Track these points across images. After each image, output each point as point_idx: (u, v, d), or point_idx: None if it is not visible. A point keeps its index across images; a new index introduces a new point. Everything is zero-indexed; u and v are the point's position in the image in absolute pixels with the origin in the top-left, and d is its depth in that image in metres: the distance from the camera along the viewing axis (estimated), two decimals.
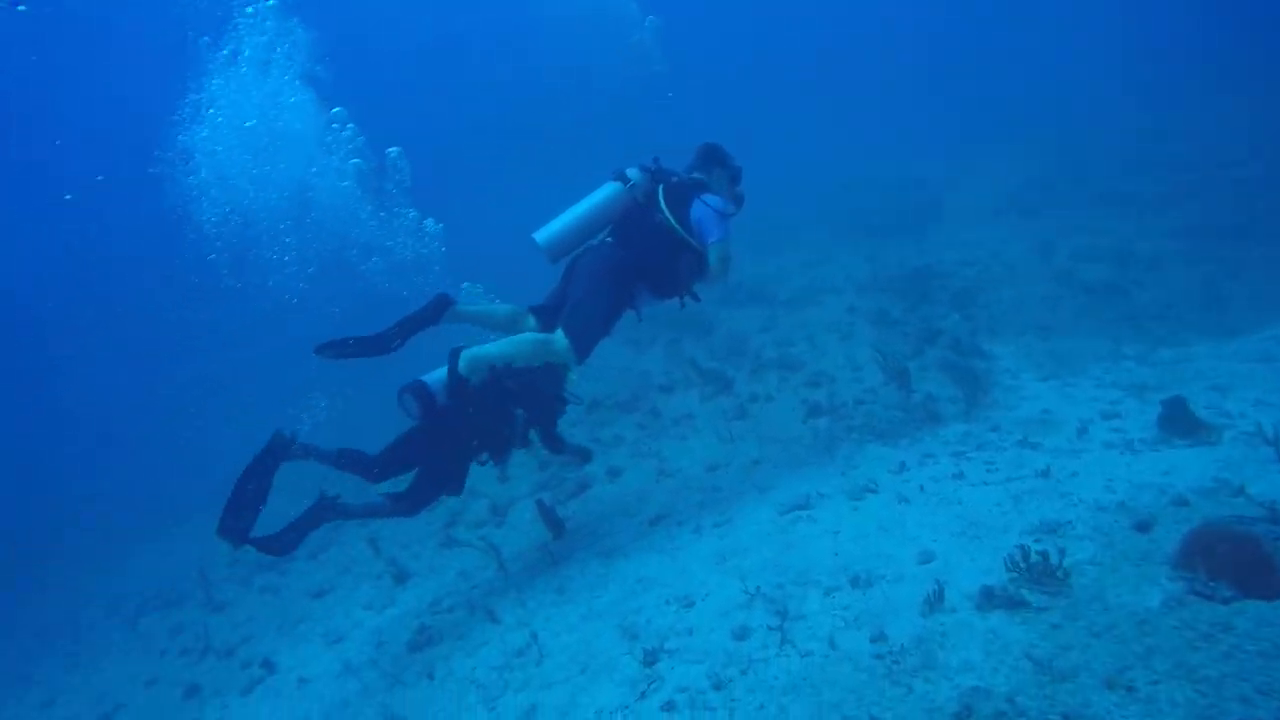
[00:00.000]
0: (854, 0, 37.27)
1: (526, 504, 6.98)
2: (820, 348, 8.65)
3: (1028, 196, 12.91)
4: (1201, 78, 16.69)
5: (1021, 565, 3.40)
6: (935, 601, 3.43)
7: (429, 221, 6.84)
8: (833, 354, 8.28)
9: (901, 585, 3.72)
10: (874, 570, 3.91)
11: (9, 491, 18.99)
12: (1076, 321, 7.74)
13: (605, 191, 5.10)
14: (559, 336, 4.79)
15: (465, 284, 5.95)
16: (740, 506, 5.31)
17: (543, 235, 5.06)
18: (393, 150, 7.05)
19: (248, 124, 7.09)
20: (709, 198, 4.95)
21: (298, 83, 7.33)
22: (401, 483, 5.13)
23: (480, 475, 7.13)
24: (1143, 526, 3.58)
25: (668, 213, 4.93)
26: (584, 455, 6.06)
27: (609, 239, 5.14)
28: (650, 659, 3.74)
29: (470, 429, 5.09)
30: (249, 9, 7.27)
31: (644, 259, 4.99)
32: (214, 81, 7.16)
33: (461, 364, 4.74)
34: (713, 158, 5.22)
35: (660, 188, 5.03)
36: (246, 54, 7.21)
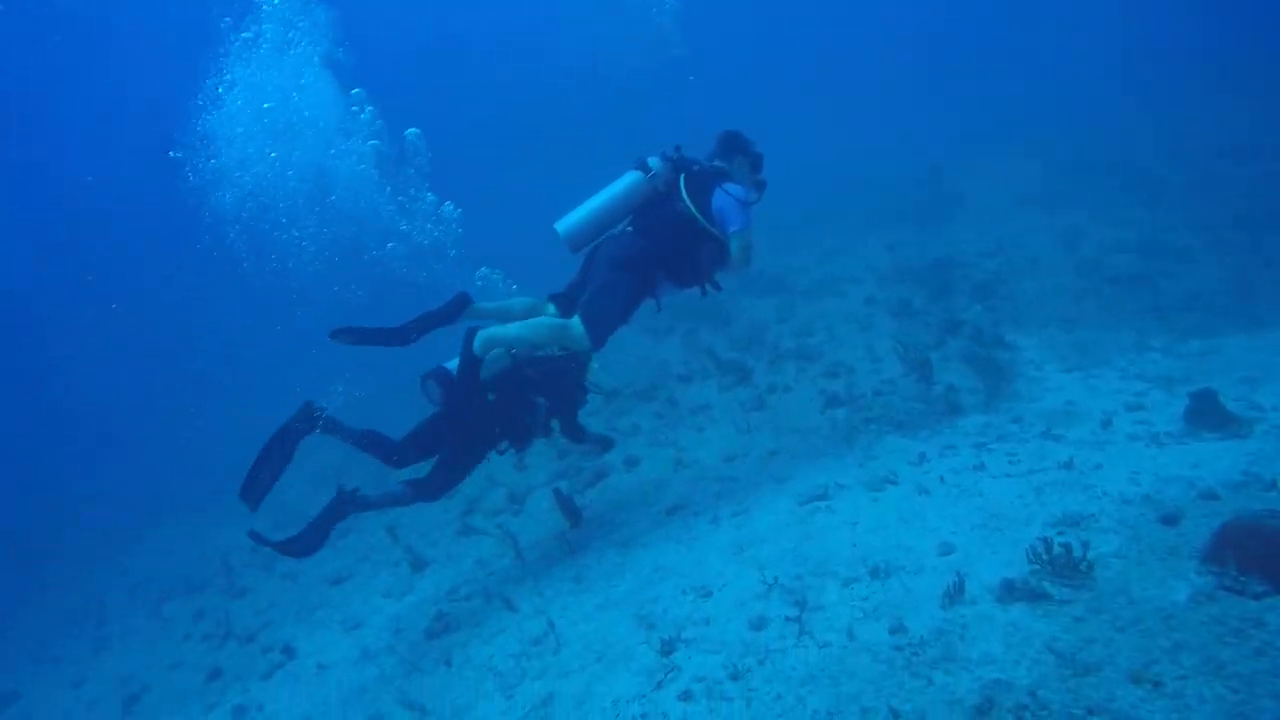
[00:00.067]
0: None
1: (544, 493, 6.99)
2: (839, 338, 8.59)
3: (1050, 187, 12.71)
4: (1201, 77, 16.36)
5: (1044, 557, 3.35)
6: (955, 593, 3.39)
7: (448, 205, 6.80)
8: (852, 344, 8.22)
9: (921, 577, 3.68)
10: (893, 561, 3.87)
11: (35, 480, 19.31)
12: (1101, 313, 7.62)
13: (626, 181, 5.06)
14: (575, 322, 4.78)
15: (483, 269, 5.94)
16: (758, 497, 5.28)
17: (563, 225, 5.03)
18: (411, 131, 7.01)
19: (265, 105, 7.07)
20: (731, 186, 4.90)
21: (317, 65, 7.30)
22: (420, 469, 5.15)
23: (498, 464, 7.17)
24: (1169, 520, 3.52)
25: (689, 202, 4.88)
26: (605, 444, 6.07)
27: (629, 228, 5.11)
28: (667, 648, 3.73)
29: (492, 416, 5.10)
30: None
31: (665, 248, 4.96)
32: (234, 63, 7.14)
33: (476, 343, 4.75)
34: (733, 145, 5.17)
35: (681, 177, 4.99)
36: (268, 35, 7.18)
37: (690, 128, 6.04)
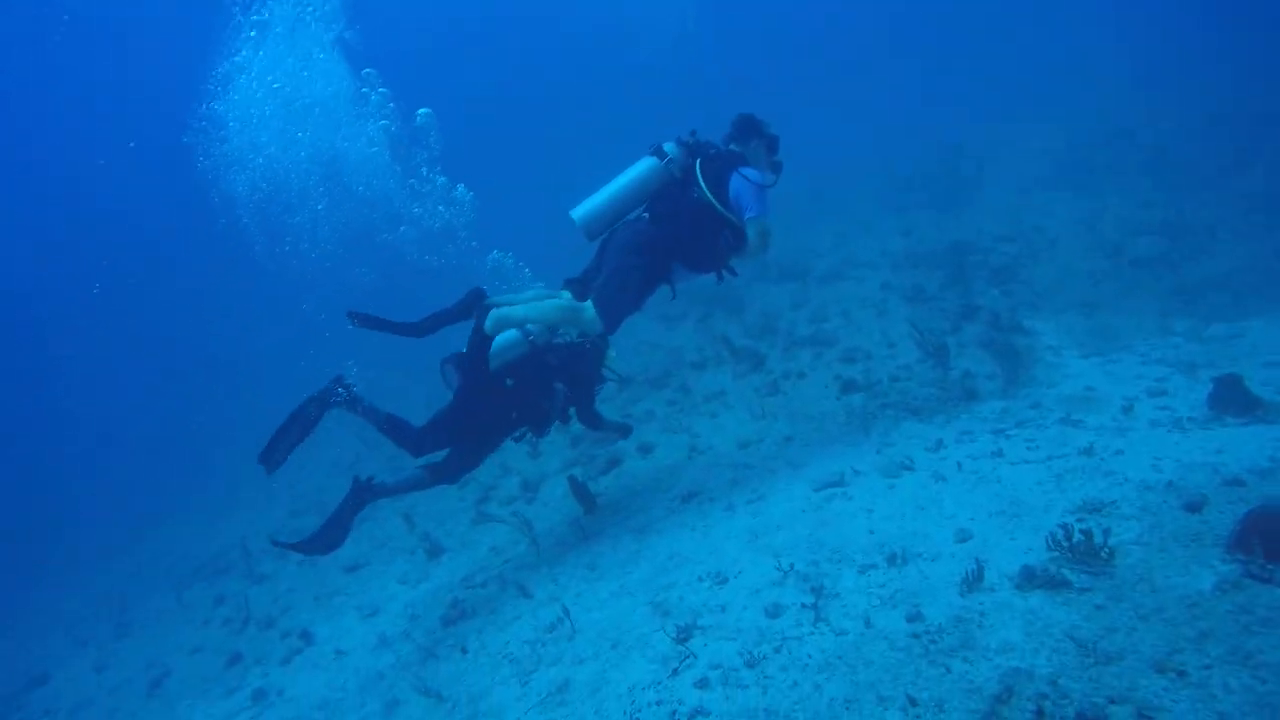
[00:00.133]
0: None
1: (558, 480, 6.99)
2: (855, 324, 8.51)
3: (1068, 169, 12.51)
4: (1218, 55, 16.00)
5: (1064, 544, 3.31)
6: (974, 581, 3.35)
7: (460, 188, 6.75)
8: (867, 330, 8.14)
9: (939, 564, 3.64)
10: (910, 548, 3.84)
11: (59, 470, 19.55)
12: (1122, 296, 7.51)
13: (642, 167, 5.02)
14: (588, 305, 4.78)
15: (495, 252, 5.92)
16: (773, 483, 5.26)
17: (579, 213, 5.01)
18: (423, 111, 6.95)
19: (275, 85, 7.03)
20: (747, 171, 4.84)
21: (328, 47, 7.26)
22: (436, 454, 5.17)
23: (513, 451, 7.18)
24: (1193, 507, 3.45)
25: (705, 189, 4.84)
26: (623, 431, 6.08)
27: (645, 214, 5.07)
28: (683, 635, 3.72)
29: (511, 402, 5.10)
30: None
31: (681, 235, 4.93)
32: (245, 46, 7.11)
33: (489, 322, 4.76)
34: (749, 128, 5.10)
35: (698, 162, 4.94)
36: (279, 17, 7.15)
37: (704, 110, 5.98)
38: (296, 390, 4.90)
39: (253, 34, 7.05)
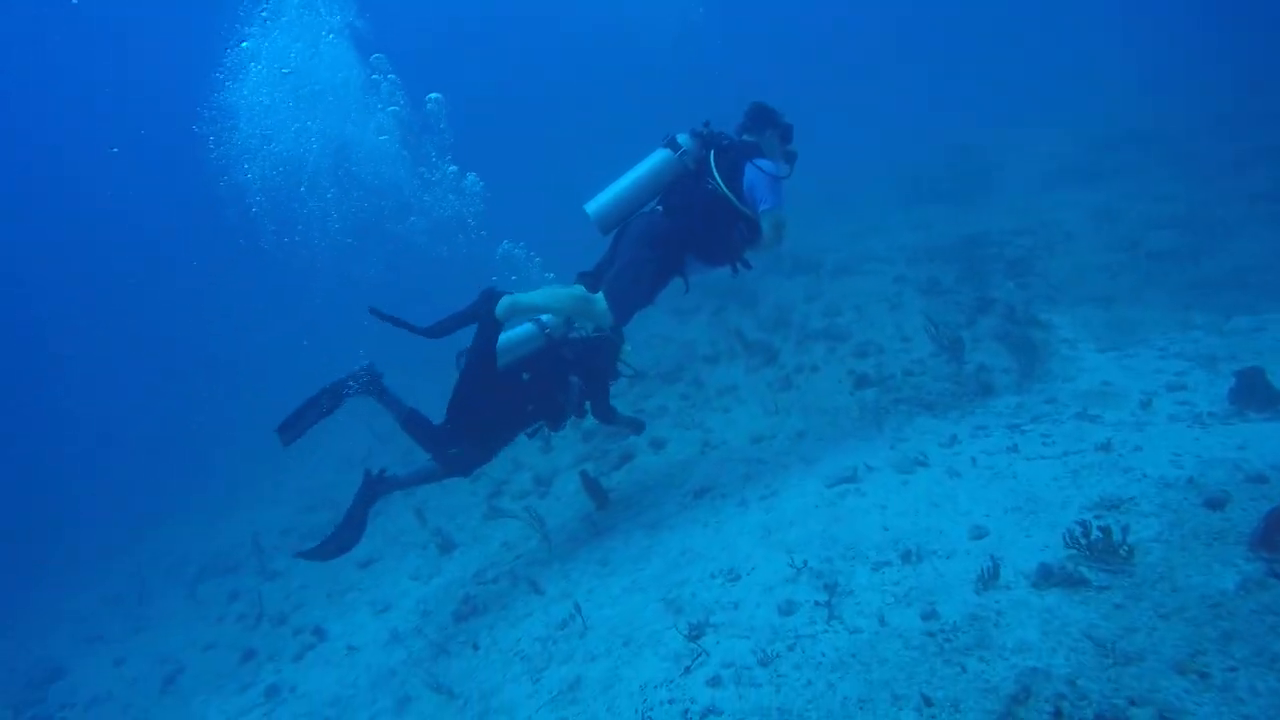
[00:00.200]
0: None
1: (570, 475, 6.98)
2: (868, 318, 8.44)
3: (1084, 162, 12.36)
4: (1232, 46, 15.76)
5: (1081, 542, 3.26)
6: (989, 578, 3.31)
7: (470, 177, 6.69)
8: (881, 324, 8.07)
9: (953, 561, 3.60)
10: (925, 545, 3.79)
11: (71, 467, 19.72)
12: (1140, 290, 7.40)
13: (655, 159, 4.97)
14: (599, 297, 4.76)
15: (505, 243, 5.90)
16: (786, 479, 5.21)
17: (593, 207, 4.98)
18: (433, 95, 6.89)
19: (285, 71, 6.99)
20: (762, 162, 4.79)
21: (338, 32, 7.22)
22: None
23: (524, 446, 7.19)
24: (1215, 504, 3.39)
25: (720, 181, 4.79)
26: (636, 426, 6.06)
27: (659, 207, 5.03)
28: (695, 633, 3.69)
29: (526, 395, 5.10)
30: None
31: (694, 228, 4.88)
32: (255, 28, 7.07)
33: (500, 309, 4.74)
34: (762, 117, 5.05)
35: (711, 154, 4.89)
36: (290, 4, 7.10)
37: (712, 104, 5.93)
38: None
39: (264, 14, 7.00)
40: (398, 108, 7.07)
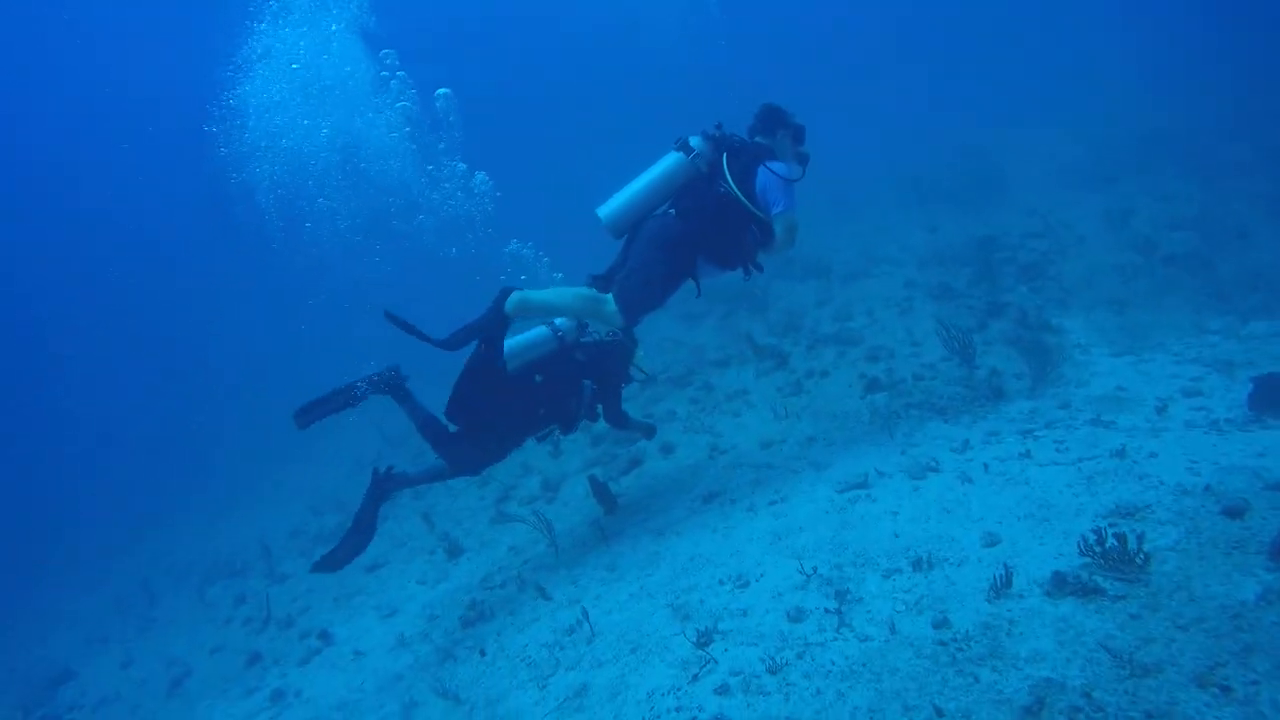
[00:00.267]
0: None
1: (578, 480, 6.95)
2: (879, 322, 8.39)
3: (1096, 164, 12.26)
4: (1238, 43, 15.60)
5: (1096, 550, 3.20)
6: (1002, 586, 3.25)
7: (479, 175, 6.65)
8: (892, 328, 8.02)
9: (965, 569, 3.54)
10: (936, 553, 3.74)
11: (64, 472, 19.82)
12: (1154, 294, 7.33)
13: (668, 162, 4.95)
14: (609, 298, 4.73)
15: (513, 242, 5.88)
16: (796, 484, 5.17)
17: (605, 210, 4.96)
18: (442, 91, 6.86)
19: (294, 65, 6.97)
20: (774, 165, 4.76)
21: (346, 27, 7.20)
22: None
23: (533, 451, 7.16)
24: (1233, 512, 3.32)
25: (732, 184, 4.76)
26: (647, 430, 6.05)
27: (671, 210, 5.00)
28: (703, 640, 3.65)
29: (538, 398, 5.09)
30: None
31: (707, 231, 4.86)
32: (264, 28, 7.06)
33: (509, 304, 4.72)
34: (774, 119, 5.02)
35: (724, 156, 4.86)
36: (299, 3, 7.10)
37: (719, 104, 5.90)
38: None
39: (274, 7, 6.98)
40: (407, 103, 7.05)
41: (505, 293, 4.81)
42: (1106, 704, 2.45)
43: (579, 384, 5.26)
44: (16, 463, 21.67)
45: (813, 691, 3.05)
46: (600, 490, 6.03)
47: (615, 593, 4.58)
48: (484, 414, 5.08)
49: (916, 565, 3.68)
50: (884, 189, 15.00)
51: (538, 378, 5.10)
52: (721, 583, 4.17)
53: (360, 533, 4.94)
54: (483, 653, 4.58)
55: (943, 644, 3.05)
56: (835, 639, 3.33)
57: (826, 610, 3.54)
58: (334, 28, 7.03)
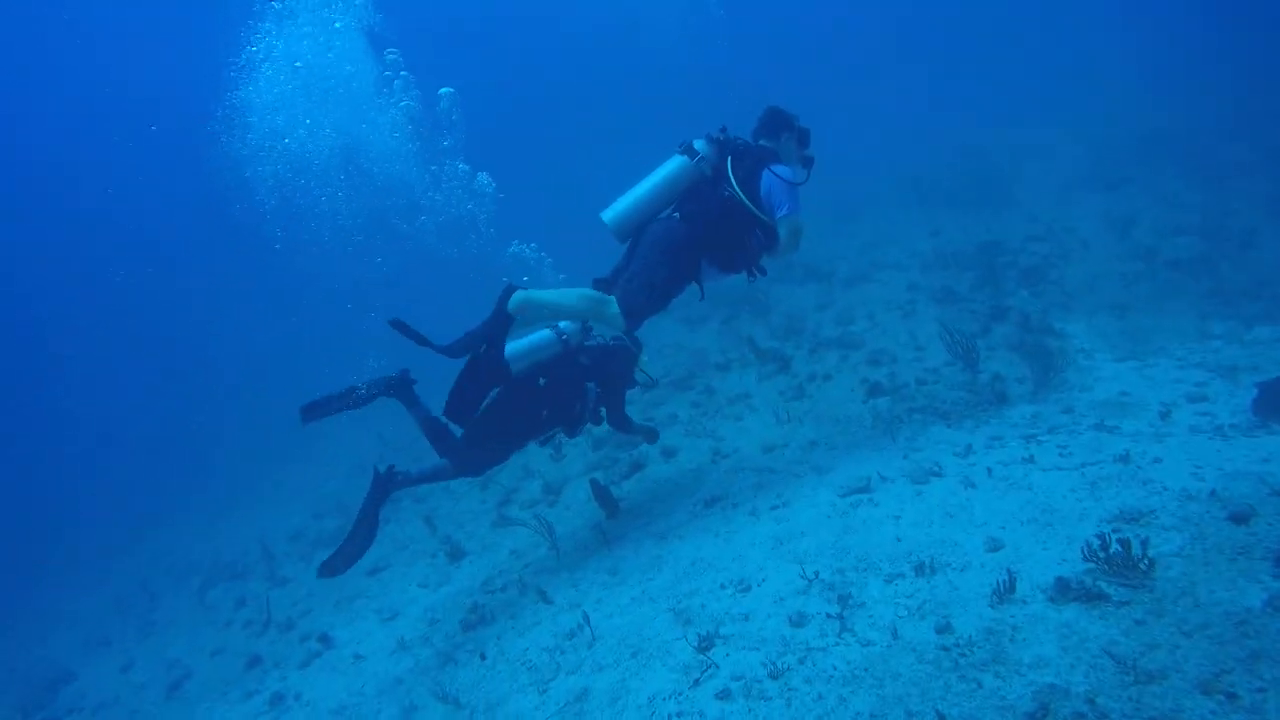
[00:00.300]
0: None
1: (580, 483, 6.93)
2: (881, 326, 8.37)
3: (1100, 169, 12.22)
4: (1237, 46, 15.58)
5: (1100, 555, 3.18)
6: (1005, 592, 3.24)
7: (482, 176, 6.63)
8: (894, 332, 8.00)
9: (968, 574, 3.53)
10: (939, 557, 3.72)
11: (64, 472, 19.82)
12: (1157, 299, 7.31)
13: (672, 165, 4.94)
14: (612, 300, 4.72)
15: (515, 243, 5.88)
16: (798, 489, 5.15)
17: (610, 214, 4.96)
18: (445, 90, 6.84)
19: (297, 64, 6.94)
20: (779, 168, 4.75)
21: (348, 26, 7.18)
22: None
23: (535, 455, 7.15)
24: (1239, 518, 3.30)
25: (737, 188, 4.76)
26: (650, 434, 6.05)
27: (675, 214, 5.00)
28: (704, 645, 3.63)
29: (542, 400, 5.09)
30: None
31: (711, 235, 4.85)
32: (269, 28, 7.04)
33: (511, 303, 4.71)
34: (779, 122, 5.01)
35: (729, 160, 4.85)
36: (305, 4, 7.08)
37: (724, 102, 5.90)
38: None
39: (277, 6, 6.97)
40: (410, 103, 7.04)
41: (509, 291, 4.80)
42: (1110, 710, 2.43)
43: (583, 387, 5.26)
44: (16, 463, 21.67)
45: (814, 696, 3.03)
46: (602, 494, 6.01)
47: (617, 597, 4.56)
48: (488, 416, 5.08)
49: (919, 570, 3.67)
50: (884, 189, 14.99)
51: (542, 380, 5.11)
52: (723, 587, 4.16)
53: (362, 533, 4.93)
54: (483, 656, 4.56)
55: (945, 649, 3.03)
56: (837, 644, 3.31)
57: (828, 615, 3.53)
58: (337, 24, 7.00)
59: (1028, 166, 13.49)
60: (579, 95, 34.85)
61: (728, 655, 3.52)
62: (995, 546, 3.69)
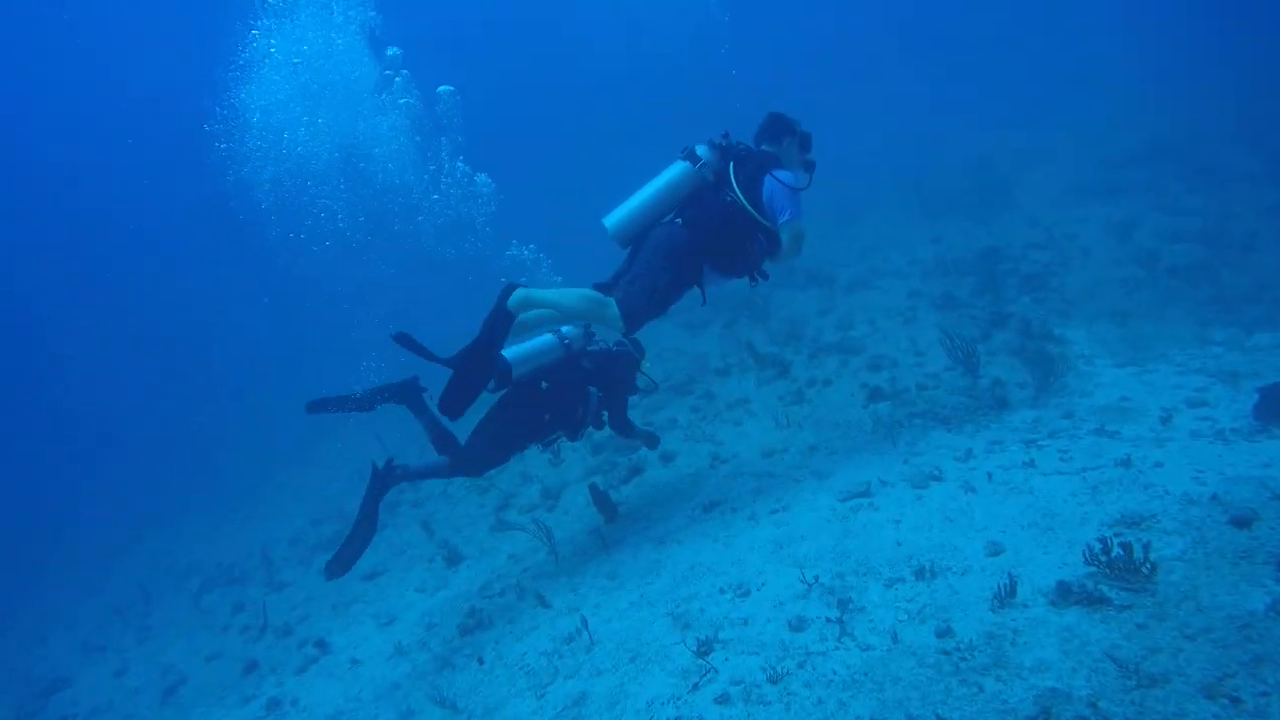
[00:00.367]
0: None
1: (579, 488, 6.91)
2: (881, 331, 8.36)
3: (1103, 176, 12.22)
4: (1239, 55, 15.61)
5: (1101, 559, 3.16)
6: (1006, 596, 3.22)
7: (481, 177, 6.61)
8: (894, 338, 7.99)
9: (969, 578, 3.51)
10: (939, 562, 3.70)
11: (64, 472, 19.79)
12: (1158, 305, 7.29)
13: (674, 171, 4.93)
14: (613, 302, 4.71)
15: (513, 244, 5.87)
16: (798, 493, 5.13)
17: (611, 221, 4.95)
18: (444, 88, 6.82)
19: (295, 61, 6.92)
20: (781, 173, 4.75)
21: (346, 25, 7.16)
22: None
23: (534, 459, 7.13)
24: (1241, 522, 3.28)
25: (739, 193, 4.75)
26: (651, 439, 6.04)
27: (677, 219, 4.99)
28: (703, 649, 3.61)
29: (544, 404, 5.10)
30: None
31: (713, 241, 4.84)
32: (268, 24, 7.02)
33: (512, 300, 4.69)
34: (780, 126, 5.01)
35: (731, 165, 4.85)
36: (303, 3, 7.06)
37: (726, 106, 5.89)
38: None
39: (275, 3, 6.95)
40: (410, 100, 7.02)
41: (509, 289, 4.78)
42: (1113, 714, 2.41)
43: (585, 391, 5.27)
44: (16, 463, 21.65)
45: (814, 701, 3.01)
46: (601, 498, 5.99)
47: (615, 601, 4.54)
48: (491, 421, 5.11)
49: (919, 574, 3.65)
50: (887, 194, 15.00)
51: (544, 384, 5.12)
52: (722, 591, 4.14)
53: (363, 528, 4.91)
54: (481, 661, 4.54)
55: (946, 653, 3.01)
56: (837, 648, 3.29)
57: (828, 619, 3.51)
58: (337, 17, 6.97)
59: (1030, 172, 13.49)
60: (581, 99, 34.95)
61: (727, 660, 3.49)
62: (996, 551, 3.67)
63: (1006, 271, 9.09)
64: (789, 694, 3.10)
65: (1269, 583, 2.84)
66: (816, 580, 3.86)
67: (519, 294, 4.70)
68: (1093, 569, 3.19)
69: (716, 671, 3.43)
